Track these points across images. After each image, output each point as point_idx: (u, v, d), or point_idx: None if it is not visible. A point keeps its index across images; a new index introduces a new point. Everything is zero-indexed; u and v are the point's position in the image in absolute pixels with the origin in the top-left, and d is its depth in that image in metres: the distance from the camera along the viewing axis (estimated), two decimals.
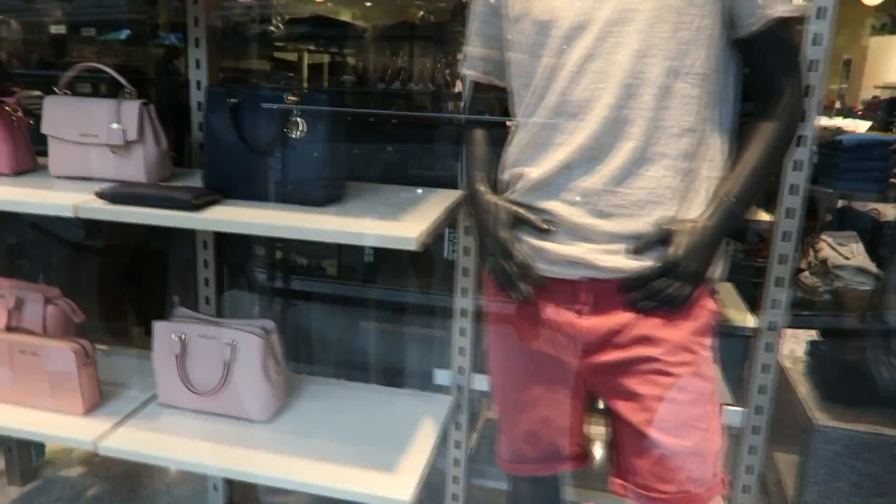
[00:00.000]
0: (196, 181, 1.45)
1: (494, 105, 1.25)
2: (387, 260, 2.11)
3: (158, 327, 1.49)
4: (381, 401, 1.61)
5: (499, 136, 1.23)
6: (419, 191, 1.50)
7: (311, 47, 3.16)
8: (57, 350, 1.45)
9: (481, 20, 1.18)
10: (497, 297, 1.16)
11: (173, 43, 2.58)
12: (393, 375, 2.02)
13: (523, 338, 1.13)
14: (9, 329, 1.52)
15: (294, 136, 1.29)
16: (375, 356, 2.07)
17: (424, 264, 2.00)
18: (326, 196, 1.33)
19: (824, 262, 2.04)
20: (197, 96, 1.64)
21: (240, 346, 1.44)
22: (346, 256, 2.15)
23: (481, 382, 1.65)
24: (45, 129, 1.45)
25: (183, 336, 1.47)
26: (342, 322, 2.08)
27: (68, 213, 1.28)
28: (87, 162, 1.45)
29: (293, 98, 1.29)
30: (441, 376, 1.67)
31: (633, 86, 0.99)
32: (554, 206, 1.06)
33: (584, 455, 1.21)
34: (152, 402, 1.55)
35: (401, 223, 1.24)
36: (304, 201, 1.32)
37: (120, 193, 1.28)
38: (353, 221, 1.24)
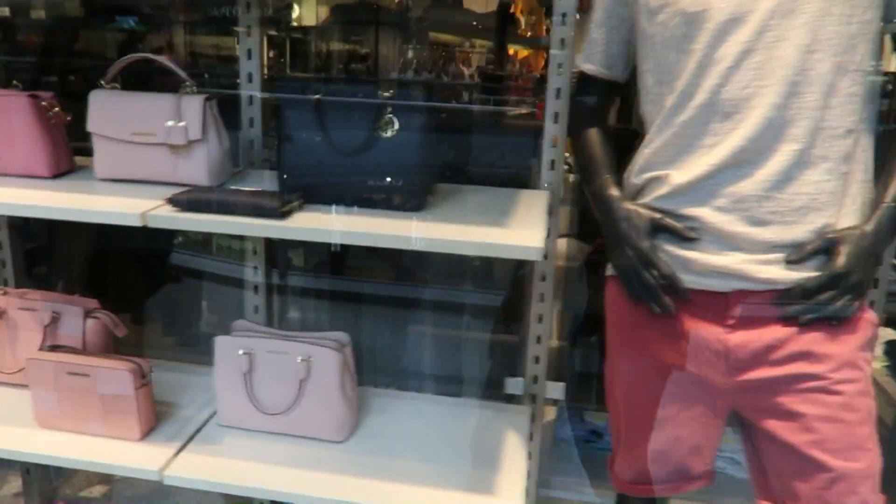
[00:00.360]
0: (251, 182, 1.33)
1: (604, 101, 1.16)
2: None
3: (221, 342, 1.37)
4: (454, 413, 1.52)
5: (609, 136, 1.15)
6: (501, 191, 1.41)
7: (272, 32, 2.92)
8: (111, 371, 1.31)
9: (607, 10, 1.09)
10: (624, 310, 1.08)
11: (132, 27, 2.40)
12: (441, 382, 1.94)
13: (658, 353, 1.06)
14: (52, 348, 1.37)
15: (387, 135, 1.18)
16: (422, 362, 1.97)
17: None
18: (418, 201, 1.22)
19: None
20: (249, 89, 1.50)
21: (315, 362, 1.33)
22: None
23: (555, 391, 1.58)
24: (91, 127, 1.30)
25: (250, 352, 1.35)
26: (386, 326, 1.97)
27: (134, 222, 1.15)
28: (139, 163, 1.31)
29: (387, 94, 1.17)
30: (513, 385, 1.59)
31: (798, 83, 0.92)
32: (701, 212, 0.98)
33: (710, 473, 1.15)
34: (211, 423, 1.43)
35: (513, 230, 1.14)
36: (394, 206, 1.21)
37: (195, 200, 1.16)
38: (463, 230, 1.14)
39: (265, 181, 1.42)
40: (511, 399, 1.65)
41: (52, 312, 1.45)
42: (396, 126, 1.18)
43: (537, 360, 1.55)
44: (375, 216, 1.18)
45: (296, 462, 1.32)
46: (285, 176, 1.25)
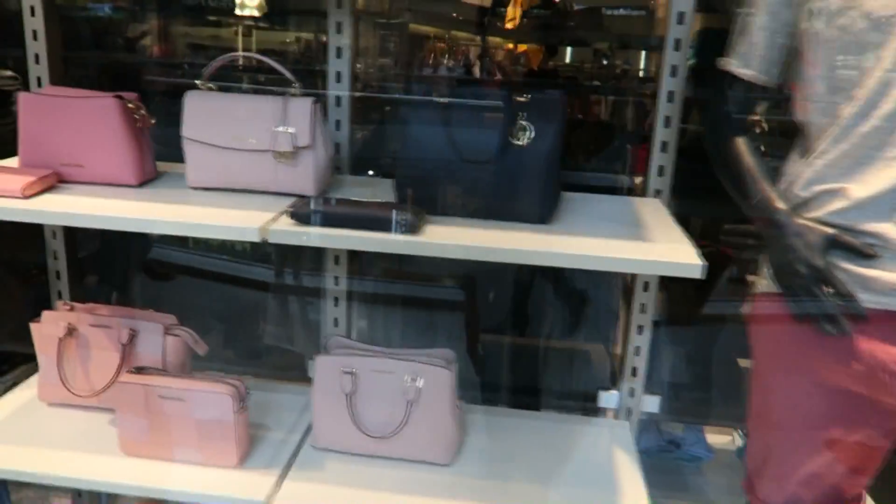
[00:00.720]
0: (349, 189, 1.25)
1: (750, 109, 1.11)
2: None
3: (322, 362, 1.28)
4: (550, 428, 1.46)
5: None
6: (610, 199, 1.35)
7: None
8: (209, 394, 1.22)
9: (769, 11, 1.03)
10: (783, 329, 1.03)
11: (108, 14, 2.24)
12: (515, 393, 1.87)
13: (824, 374, 1.01)
14: (139, 370, 1.27)
15: (520, 142, 1.11)
16: (495, 372, 1.90)
17: None
18: (548, 212, 1.15)
19: None
20: (337, 89, 1.42)
21: (425, 381, 1.26)
22: None
23: (652, 404, 1.53)
24: (187, 132, 1.21)
25: (353, 371, 1.27)
26: (455, 335, 1.90)
27: (252, 238, 1.06)
28: (238, 171, 1.21)
29: (522, 98, 1.10)
30: (607, 398, 1.54)
31: None
32: (883, 228, 0.93)
33: (860, 497, 1.11)
34: (305, 446, 1.34)
35: (659, 244, 1.08)
36: (521, 218, 1.14)
37: (318, 213, 1.07)
38: (607, 244, 1.07)
39: (363, 188, 1.34)
40: (591, 410, 1.59)
41: (130, 330, 1.35)
42: (531, 134, 1.11)
43: (635, 372, 1.50)
44: (506, 230, 1.11)
45: (406, 488, 1.24)
46: (402, 184, 1.17)
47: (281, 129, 1.18)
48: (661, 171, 1.37)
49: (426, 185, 1.15)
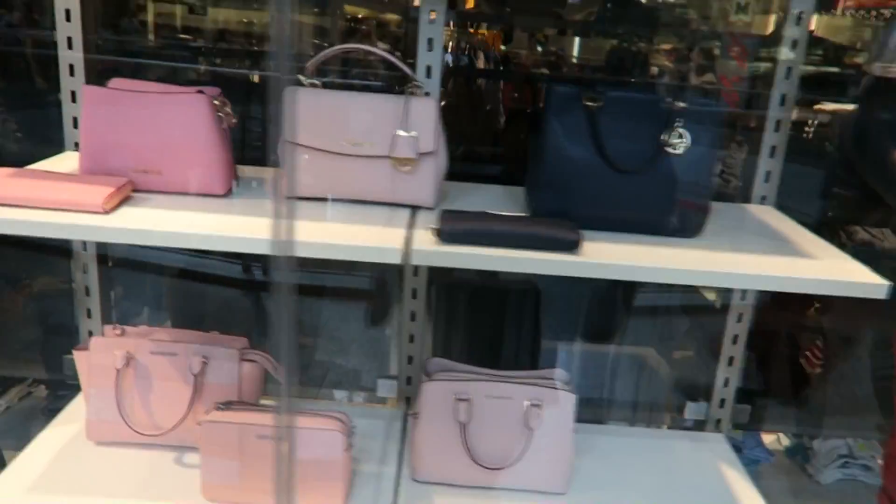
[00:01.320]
0: (454, 199, 1.14)
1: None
2: None
3: (431, 389, 1.17)
4: (651, 446, 1.39)
5: None
6: (721, 207, 1.28)
7: None
8: (317, 432, 1.08)
9: None
10: None
11: None
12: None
13: None
14: (227, 406, 1.12)
15: (676, 151, 1.02)
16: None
17: None
18: (699, 225, 1.08)
19: None
20: (427, 86, 1.28)
21: (546, 406, 1.16)
22: None
23: (742, 414, 1.49)
24: (291, 136, 1.05)
25: (468, 398, 1.16)
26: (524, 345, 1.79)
27: (392, 259, 0.93)
28: (350, 180, 1.07)
29: (681, 104, 1.01)
30: (695, 410, 1.49)
31: None
32: None
33: None
34: (405, 479, 1.22)
35: (827, 262, 1.02)
36: (670, 231, 1.06)
37: (469, 231, 0.95)
38: (775, 262, 1.00)
39: (473, 196, 1.22)
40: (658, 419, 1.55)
41: (202, 358, 1.19)
42: (687, 141, 1.02)
43: (727, 382, 1.45)
44: (661, 245, 1.03)
45: None
46: (543, 196, 1.06)
47: (402, 132, 1.04)
48: (767, 177, 1.32)
49: (567, 196, 1.05)
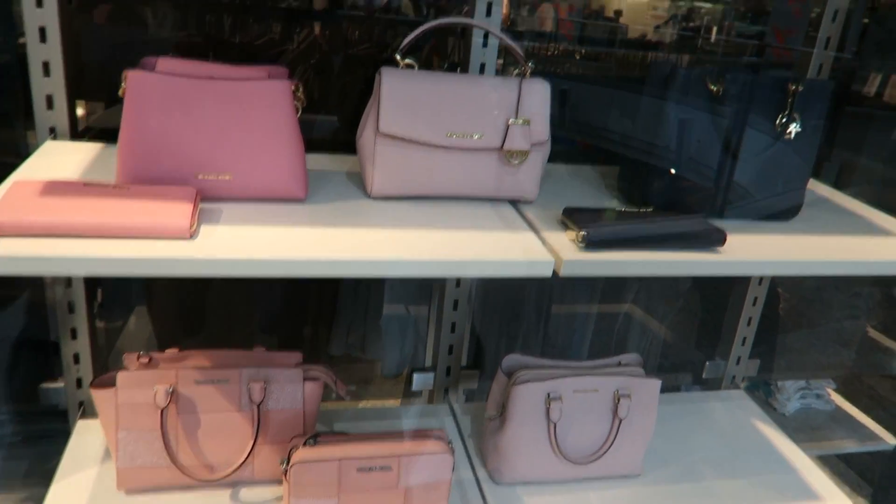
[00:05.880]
0: None
1: None
2: None
3: (523, 392, 1.09)
4: (684, 410, 1.42)
5: None
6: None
7: None
8: (425, 457, 0.98)
9: None
10: None
11: None
12: None
13: None
14: (315, 439, 0.97)
15: (789, 135, 1.00)
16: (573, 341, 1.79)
17: None
18: (799, 206, 1.07)
19: None
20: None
21: (634, 395, 1.14)
22: None
23: (753, 368, 1.57)
24: (385, 126, 0.89)
25: (558, 396, 1.10)
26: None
27: (544, 273, 0.84)
28: (449, 175, 0.93)
29: (796, 87, 0.98)
30: (713, 368, 1.55)
31: None
32: None
33: None
34: (485, 482, 1.15)
35: None
36: (773, 216, 1.05)
37: (616, 234, 0.87)
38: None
39: (561, 183, 1.12)
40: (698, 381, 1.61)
41: (262, 383, 1.02)
42: (798, 127, 1.00)
43: (744, 341, 1.52)
44: (777, 233, 1.01)
45: None
46: (652, 183, 1.00)
47: (516, 121, 0.92)
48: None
49: (675, 184, 1.00)
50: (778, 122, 0.99)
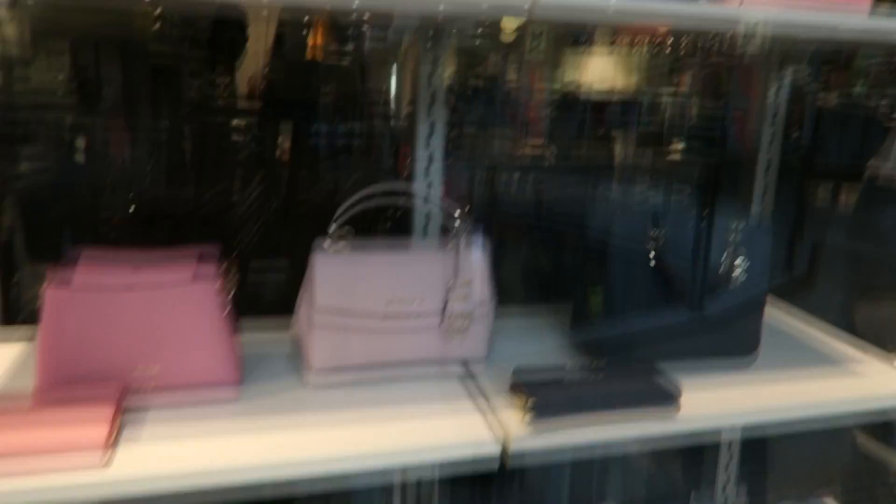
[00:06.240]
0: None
1: None
2: None
3: None
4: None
5: None
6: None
7: None
8: None
9: None
10: None
11: None
12: None
13: None
14: None
15: (734, 273, 0.98)
16: None
17: None
18: (757, 343, 1.04)
19: None
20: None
21: None
22: None
23: None
24: (321, 299, 0.86)
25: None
26: None
27: (491, 463, 0.79)
28: (390, 343, 0.90)
29: (735, 225, 0.97)
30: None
31: None
32: None
33: None
34: None
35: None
36: (726, 354, 1.02)
37: (560, 399, 0.83)
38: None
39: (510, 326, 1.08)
40: None
41: None
42: (744, 264, 0.98)
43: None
44: (725, 373, 0.98)
45: None
46: (601, 333, 0.97)
47: (456, 285, 0.90)
48: None
49: (622, 329, 0.97)
50: (724, 266, 0.97)
